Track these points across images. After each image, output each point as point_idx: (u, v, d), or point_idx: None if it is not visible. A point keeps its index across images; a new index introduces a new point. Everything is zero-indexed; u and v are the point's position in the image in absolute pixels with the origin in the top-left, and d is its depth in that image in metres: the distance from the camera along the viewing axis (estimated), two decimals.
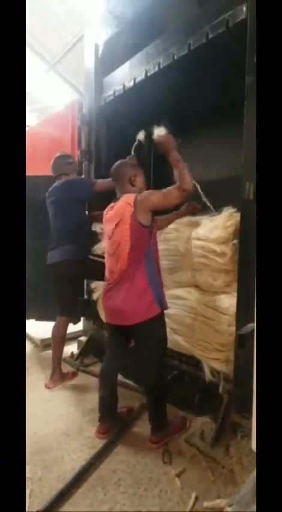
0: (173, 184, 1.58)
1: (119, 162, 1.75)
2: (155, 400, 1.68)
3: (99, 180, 2.38)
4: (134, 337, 1.67)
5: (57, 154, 2.56)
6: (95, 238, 2.63)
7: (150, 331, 1.60)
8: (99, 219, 2.53)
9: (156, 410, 1.69)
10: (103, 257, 2.46)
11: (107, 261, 1.70)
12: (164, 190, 1.57)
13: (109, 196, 1.89)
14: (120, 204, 1.61)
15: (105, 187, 2.30)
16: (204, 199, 1.94)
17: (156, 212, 1.64)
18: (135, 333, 1.63)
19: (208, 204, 1.95)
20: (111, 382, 1.78)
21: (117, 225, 1.60)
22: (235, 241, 1.67)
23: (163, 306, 1.64)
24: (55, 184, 2.45)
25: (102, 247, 2.60)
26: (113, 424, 1.79)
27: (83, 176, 2.83)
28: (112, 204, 1.71)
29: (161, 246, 1.99)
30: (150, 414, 1.70)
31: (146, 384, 1.71)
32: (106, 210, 1.74)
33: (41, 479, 1.47)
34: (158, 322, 1.62)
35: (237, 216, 1.69)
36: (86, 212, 2.51)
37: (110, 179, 2.28)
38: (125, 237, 1.56)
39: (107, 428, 1.76)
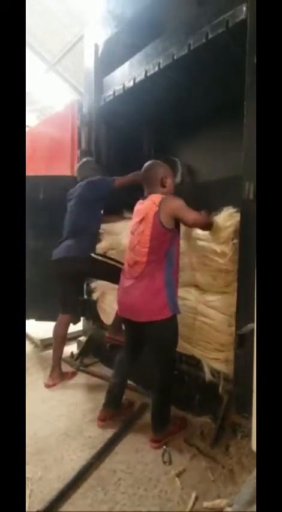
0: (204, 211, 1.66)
1: (151, 161, 1.78)
2: (160, 400, 1.69)
3: (118, 178, 2.41)
4: (145, 335, 1.70)
5: (83, 160, 2.64)
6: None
7: (160, 332, 1.61)
8: (106, 220, 2.55)
9: (159, 410, 1.70)
10: (104, 256, 2.48)
11: (127, 255, 1.74)
12: (191, 209, 1.61)
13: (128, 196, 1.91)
14: (147, 202, 1.65)
15: (124, 183, 2.36)
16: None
17: None
18: (146, 331, 1.65)
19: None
20: (124, 371, 1.86)
21: (140, 221, 1.64)
22: (235, 241, 1.67)
23: (176, 310, 1.62)
24: (79, 183, 2.50)
25: (103, 246, 2.60)
26: (115, 411, 1.86)
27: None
28: (141, 200, 1.74)
29: None
30: (153, 412, 1.71)
31: (154, 383, 1.72)
32: (136, 204, 1.78)
33: (41, 479, 1.47)
34: (169, 325, 1.61)
35: (237, 216, 1.69)
36: (102, 211, 2.52)
37: (129, 175, 2.29)
38: (146, 235, 1.60)
39: (108, 416, 1.84)
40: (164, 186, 1.71)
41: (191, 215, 1.59)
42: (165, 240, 1.59)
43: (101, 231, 2.55)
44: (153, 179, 1.71)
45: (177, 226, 1.65)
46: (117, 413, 1.87)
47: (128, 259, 1.72)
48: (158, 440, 1.66)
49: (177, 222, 1.63)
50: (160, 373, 1.68)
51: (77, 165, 2.66)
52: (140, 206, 1.71)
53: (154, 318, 1.56)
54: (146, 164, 1.76)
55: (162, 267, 1.60)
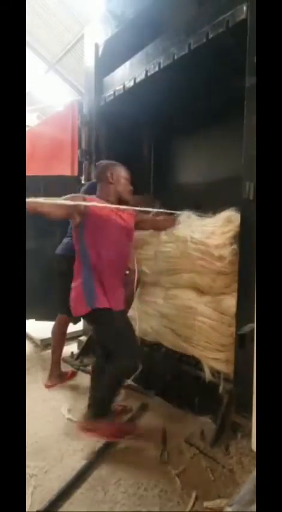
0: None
1: (102, 161, 1.91)
2: (98, 386, 1.76)
3: None
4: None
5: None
6: None
7: (91, 325, 1.73)
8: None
9: (96, 394, 1.76)
10: None
11: None
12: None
13: None
14: None
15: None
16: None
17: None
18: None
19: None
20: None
21: None
22: (234, 246, 1.67)
23: (91, 304, 1.63)
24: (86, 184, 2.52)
25: None
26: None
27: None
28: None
29: (159, 248, 2.00)
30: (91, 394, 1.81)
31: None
32: None
33: (41, 479, 1.47)
34: (91, 318, 1.73)
35: (235, 220, 1.69)
36: None
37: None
38: None
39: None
40: (111, 183, 1.77)
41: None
42: (75, 239, 1.72)
43: None
44: (100, 176, 1.82)
45: (86, 225, 1.66)
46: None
47: None
48: (88, 429, 1.64)
49: (86, 219, 1.65)
50: (108, 366, 1.69)
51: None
52: None
53: (79, 314, 1.69)
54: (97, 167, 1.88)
55: (79, 264, 1.71)
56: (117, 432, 1.69)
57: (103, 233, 1.69)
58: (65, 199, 1.59)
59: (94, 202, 1.63)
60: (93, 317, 1.69)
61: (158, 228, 2.04)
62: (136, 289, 2.13)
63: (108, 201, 1.74)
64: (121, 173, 1.82)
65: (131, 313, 2.29)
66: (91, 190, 2.03)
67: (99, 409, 1.69)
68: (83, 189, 2.41)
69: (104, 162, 1.94)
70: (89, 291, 1.65)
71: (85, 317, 1.76)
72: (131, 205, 1.79)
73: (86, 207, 1.59)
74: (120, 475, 1.49)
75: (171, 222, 2.01)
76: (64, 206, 1.56)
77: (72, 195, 1.67)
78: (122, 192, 1.81)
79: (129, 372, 1.87)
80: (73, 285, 1.73)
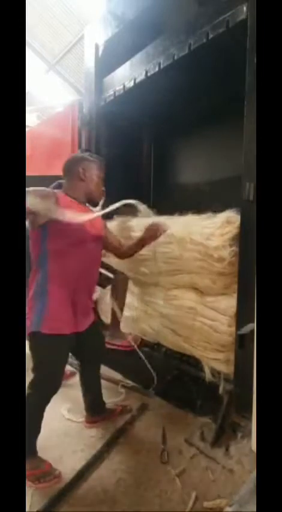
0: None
1: (71, 155, 1.70)
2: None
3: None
4: None
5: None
6: None
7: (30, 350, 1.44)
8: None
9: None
10: None
11: None
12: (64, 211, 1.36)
13: None
14: None
15: None
16: None
17: None
18: None
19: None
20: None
21: None
22: (234, 247, 1.66)
23: (34, 327, 1.39)
24: None
25: None
26: (100, 416, 1.86)
27: None
28: None
29: (159, 249, 2.00)
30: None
31: None
32: None
33: None
34: (29, 340, 1.42)
35: (235, 222, 1.69)
36: None
37: None
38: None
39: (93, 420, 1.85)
40: (82, 180, 1.55)
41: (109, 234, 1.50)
42: (33, 243, 1.43)
43: None
44: (69, 172, 1.57)
45: (51, 228, 1.40)
46: (103, 418, 1.85)
47: None
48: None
49: (52, 222, 1.36)
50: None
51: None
52: None
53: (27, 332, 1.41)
54: (67, 159, 1.64)
55: (34, 278, 1.44)
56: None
57: (73, 240, 1.45)
58: (33, 192, 1.33)
59: (70, 212, 1.36)
60: (30, 338, 1.42)
61: (119, 252, 1.80)
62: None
63: (76, 200, 1.53)
64: (94, 170, 1.58)
65: (131, 313, 2.30)
66: (58, 187, 1.71)
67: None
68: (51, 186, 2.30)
69: (76, 155, 1.74)
70: (39, 311, 1.40)
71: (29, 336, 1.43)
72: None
73: (56, 206, 1.35)
74: (120, 475, 1.49)
75: (136, 249, 1.79)
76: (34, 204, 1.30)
77: (42, 189, 1.44)
78: (93, 192, 1.59)
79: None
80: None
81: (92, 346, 1.69)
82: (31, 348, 1.44)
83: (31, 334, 1.41)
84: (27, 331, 1.40)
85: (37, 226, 1.41)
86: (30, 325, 1.40)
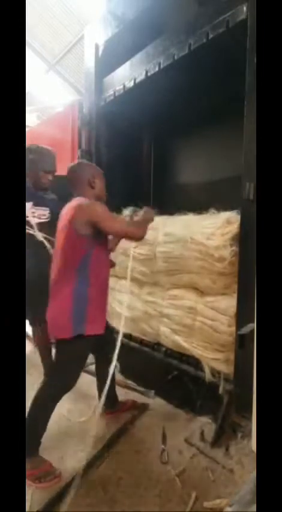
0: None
1: (77, 162, 1.72)
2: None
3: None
4: None
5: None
6: None
7: (58, 352, 1.54)
8: None
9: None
10: None
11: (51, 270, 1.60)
12: (114, 217, 1.50)
13: None
14: (67, 207, 1.51)
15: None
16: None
17: None
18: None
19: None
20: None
21: (61, 230, 1.50)
22: (234, 247, 1.67)
23: (79, 331, 1.44)
24: None
25: None
26: (112, 410, 1.89)
27: None
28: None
29: (159, 248, 2.00)
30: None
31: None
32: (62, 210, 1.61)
33: None
34: (67, 347, 1.48)
35: (235, 222, 1.69)
36: None
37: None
38: (61, 245, 1.47)
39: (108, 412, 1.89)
40: (92, 187, 1.58)
41: (113, 224, 1.46)
42: (78, 250, 1.43)
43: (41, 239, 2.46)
44: (79, 180, 1.58)
45: (98, 237, 1.47)
46: (117, 410, 1.90)
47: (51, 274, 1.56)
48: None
49: (99, 233, 1.45)
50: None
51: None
52: (63, 212, 1.53)
53: (58, 336, 1.48)
54: (71, 165, 1.64)
55: (71, 284, 1.44)
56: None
57: (106, 245, 1.59)
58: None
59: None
60: (69, 344, 1.46)
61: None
62: None
63: None
64: (101, 178, 1.65)
65: (131, 313, 2.29)
66: (60, 205, 1.66)
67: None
68: (51, 204, 2.13)
69: (82, 162, 1.77)
70: (80, 316, 1.44)
71: (58, 341, 1.51)
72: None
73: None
74: (120, 475, 1.49)
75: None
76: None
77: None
78: (101, 197, 1.63)
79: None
80: (51, 307, 1.50)
81: (107, 342, 1.72)
82: (65, 351, 1.50)
83: (73, 338, 1.44)
84: (66, 334, 1.43)
85: (84, 233, 1.43)
86: (71, 329, 1.43)
